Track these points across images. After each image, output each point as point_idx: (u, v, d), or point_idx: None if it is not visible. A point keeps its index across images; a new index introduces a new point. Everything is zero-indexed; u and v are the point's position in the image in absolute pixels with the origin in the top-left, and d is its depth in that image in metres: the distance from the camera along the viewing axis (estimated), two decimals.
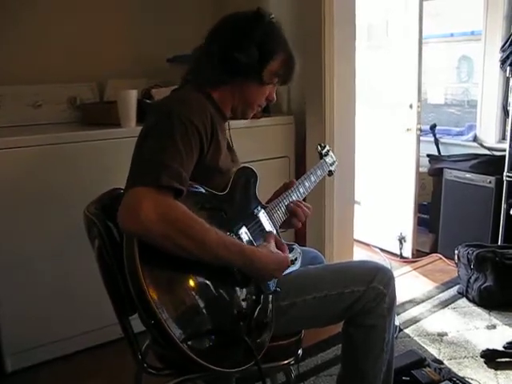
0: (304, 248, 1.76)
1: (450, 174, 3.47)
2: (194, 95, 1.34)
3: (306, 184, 1.67)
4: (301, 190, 1.64)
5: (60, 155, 2.16)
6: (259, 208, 1.47)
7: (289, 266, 1.33)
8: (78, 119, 2.67)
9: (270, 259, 1.25)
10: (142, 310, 1.07)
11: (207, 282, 1.18)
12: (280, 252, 1.30)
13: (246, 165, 1.49)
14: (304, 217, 1.58)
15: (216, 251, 1.13)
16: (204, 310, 1.15)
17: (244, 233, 1.36)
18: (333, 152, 1.90)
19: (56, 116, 2.62)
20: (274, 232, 1.47)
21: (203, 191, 1.28)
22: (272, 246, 1.31)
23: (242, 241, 1.32)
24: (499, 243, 3.12)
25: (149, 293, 1.05)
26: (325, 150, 1.85)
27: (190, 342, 1.09)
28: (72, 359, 2.28)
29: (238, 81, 1.39)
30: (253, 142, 2.54)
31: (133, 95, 2.36)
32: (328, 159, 1.84)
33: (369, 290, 1.45)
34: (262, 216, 1.46)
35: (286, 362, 1.43)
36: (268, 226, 1.46)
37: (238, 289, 1.26)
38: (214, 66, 1.37)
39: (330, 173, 1.85)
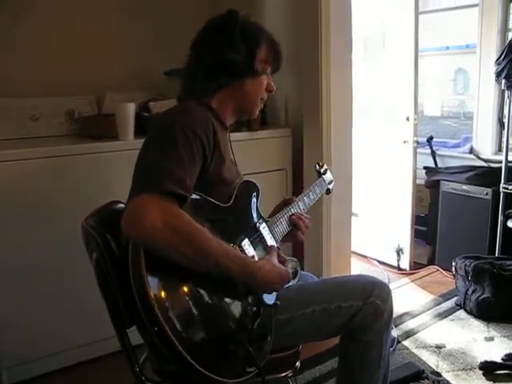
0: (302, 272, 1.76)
1: (447, 186, 3.48)
2: (195, 106, 1.35)
3: (306, 201, 1.69)
4: (301, 206, 1.65)
5: (58, 168, 2.16)
6: (261, 221, 1.48)
7: (290, 280, 1.34)
8: (76, 132, 2.66)
9: (271, 272, 1.25)
10: (145, 316, 1.06)
11: (210, 292, 1.19)
12: (281, 266, 1.31)
13: (249, 178, 1.50)
14: (305, 228, 1.59)
15: (218, 261, 1.13)
16: (206, 320, 1.15)
17: (247, 245, 1.36)
18: (330, 170, 1.91)
19: (54, 129, 2.61)
20: (275, 245, 1.47)
21: (207, 202, 1.29)
22: (274, 259, 1.32)
23: (244, 252, 1.33)
24: (496, 255, 3.13)
25: (153, 299, 1.05)
26: (323, 169, 1.86)
27: (192, 351, 1.08)
28: (70, 372, 2.26)
29: (235, 80, 1.41)
30: (250, 154, 2.54)
31: (131, 108, 2.37)
32: (326, 178, 1.85)
33: (367, 305, 1.46)
34: (264, 229, 1.47)
35: (283, 374, 1.44)
36: (269, 239, 1.47)
37: (238, 301, 1.26)
38: (209, 73, 1.39)
39: (328, 191, 1.87)
